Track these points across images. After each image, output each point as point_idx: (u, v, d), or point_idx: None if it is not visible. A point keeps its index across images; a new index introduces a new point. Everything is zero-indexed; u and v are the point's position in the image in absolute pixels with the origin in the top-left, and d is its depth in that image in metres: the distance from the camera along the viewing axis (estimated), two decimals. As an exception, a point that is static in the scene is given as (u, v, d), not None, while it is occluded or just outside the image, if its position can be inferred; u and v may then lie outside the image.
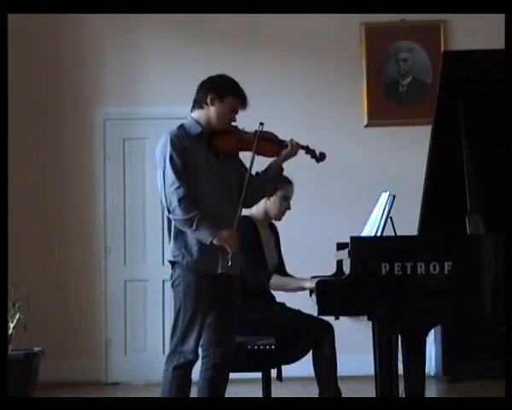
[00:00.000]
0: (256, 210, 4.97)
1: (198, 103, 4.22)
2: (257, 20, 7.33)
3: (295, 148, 4.27)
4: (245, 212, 4.65)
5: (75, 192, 7.43)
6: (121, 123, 7.47)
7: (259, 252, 4.90)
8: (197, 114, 4.22)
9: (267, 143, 4.26)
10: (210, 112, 4.18)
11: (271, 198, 4.91)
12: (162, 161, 4.09)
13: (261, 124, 4.18)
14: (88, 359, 7.32)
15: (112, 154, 7.46)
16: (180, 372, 4.05)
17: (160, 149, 4.13)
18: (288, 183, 4.96)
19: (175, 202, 4.03)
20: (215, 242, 4.05)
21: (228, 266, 4.07)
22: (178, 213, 4.04)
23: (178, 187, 4.03)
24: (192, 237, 4.09)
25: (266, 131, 4.26)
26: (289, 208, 5.02)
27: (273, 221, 5.11)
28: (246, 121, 4.25)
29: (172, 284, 4.17)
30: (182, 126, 4.19)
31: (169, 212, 4.07)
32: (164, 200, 4.09)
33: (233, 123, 4.24)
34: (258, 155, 4.22)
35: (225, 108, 4.16)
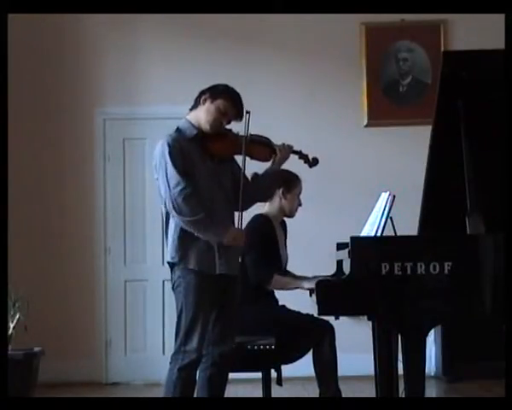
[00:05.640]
0: (271, 208, 5.00)
1: (194, 105, 4.23)
2: (256, 20, 7.32)
3: (287, 151, 4.26)
4: (259, 209, 4.67)
5: (75, 192, 7.43)
6: (121, 123, 7.47)
7: (275, 249, 4.94)
8: (191, 115, 4.22)
9: (259, 145, 4.23)
10: (201, 112, 4.17)
11: (288, 196, 4.99)
12: (164, 164, 4.06)
13: (247, 112, 4.12)
14: (88, 359, 7.32)
15: (112, 154, 7.46)
16: (184, 374, 4.05)
17: (159, 153, 4.11)
18: (299, 180, 5.03)
19: (182, 203, 4.00)
20: (226, 241, 4.05)
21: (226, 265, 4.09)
22: (187, 214, 4.01)
23: (184, 188, 4.01)
24: (190, 238, 4.07)
25: (258, 135, 4.24)
26: (301, 205, 5.06)
27: (285, 218, 5.14)
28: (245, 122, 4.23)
29: (173, 286, 4.17)
30: (178, 129, 4.19)
31: (177, 213, 4.03)
32: (168, 202, 4.04)
33: (226, 126, 4.21)
34: (251, 158, 4.20)
35: (214, 109, 4.13)
